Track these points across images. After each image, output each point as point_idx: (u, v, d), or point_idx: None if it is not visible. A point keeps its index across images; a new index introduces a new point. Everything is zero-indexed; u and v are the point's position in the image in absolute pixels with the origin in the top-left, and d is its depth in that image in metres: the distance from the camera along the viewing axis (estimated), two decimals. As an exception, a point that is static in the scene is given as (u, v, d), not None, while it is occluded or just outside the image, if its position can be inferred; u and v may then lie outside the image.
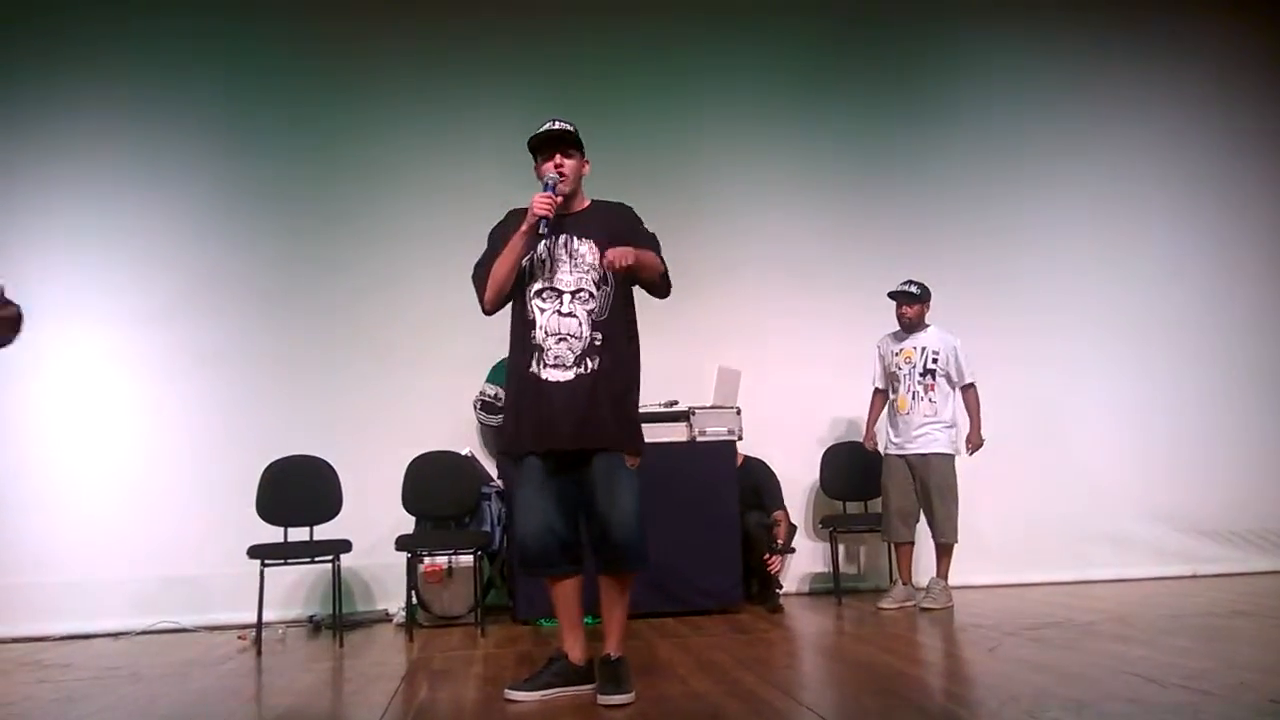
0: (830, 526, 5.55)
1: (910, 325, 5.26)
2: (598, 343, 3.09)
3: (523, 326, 3.15)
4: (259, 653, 4.42)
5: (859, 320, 5.53)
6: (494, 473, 5.41)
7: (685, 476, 4.93)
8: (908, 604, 5.05)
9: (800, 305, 6.01)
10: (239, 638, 4.76)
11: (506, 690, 3.13)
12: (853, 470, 5.60)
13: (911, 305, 5.23)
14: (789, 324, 5.97)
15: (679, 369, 5.09)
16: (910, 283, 5.27)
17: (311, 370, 5.64)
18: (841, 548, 5.71)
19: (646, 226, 3.27)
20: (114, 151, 5.69)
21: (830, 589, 5.51)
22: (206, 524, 5.23)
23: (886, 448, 5.30)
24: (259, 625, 4.54)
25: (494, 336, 5.47)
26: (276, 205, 5.83)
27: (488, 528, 5.18)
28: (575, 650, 3.17)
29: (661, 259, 3.21)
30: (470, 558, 4.98)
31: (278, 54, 5.93)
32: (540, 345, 3.09)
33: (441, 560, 5.05)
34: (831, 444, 5.86)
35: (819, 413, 5.99)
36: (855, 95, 6.37)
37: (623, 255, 3.03)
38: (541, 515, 3.08)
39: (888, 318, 5.30)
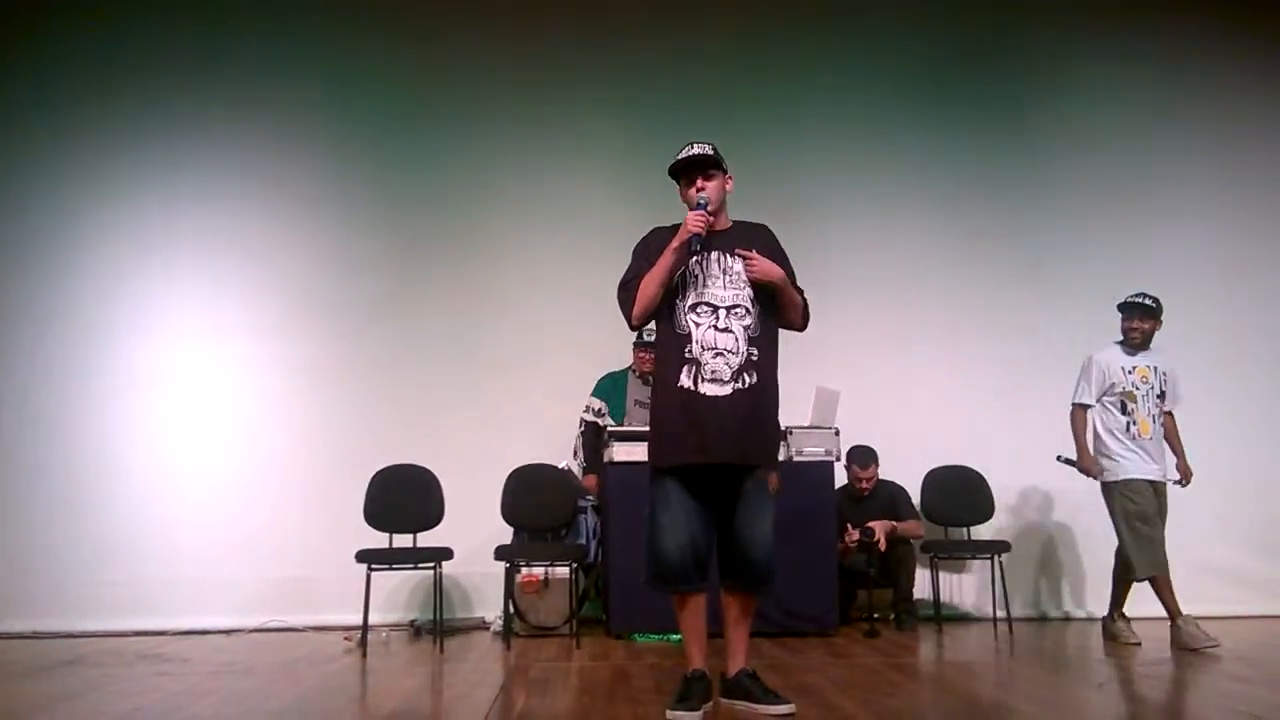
0: (932, 552, 5.43)
1: (1141, 342, 4.82)
2: (753, 358, 3.10)
3: (675, 340, 3.14)
4: (364, 654, 4.56)
5: (962, 343, 5.42)
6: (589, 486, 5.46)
7: (781, 497, 4.88)
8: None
9: (903, 326, 5.93)
10: (345, 638, 4.91)
11: (668, 712, 3.06)
12: (956, 494, 5.47)
13: (1146, 320, 4.77)
14: (890, 345, 5.90)
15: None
16: (1145, 295, 4.79)
17: (417, 383, 5.83)
18: (943, 575, 5.56)
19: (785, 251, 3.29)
20: (236, 172, 5.96)
21: (931, 616, 5.40)
22: (317, 528, 5.43)
23: (1137, 472, 4.72)
24: (364, 627, 4.68)
25: (594, 355, 5.66)
26: (390, 224, 6.04)
27: (583, 541, 5.25)
28: (701, 665, 3.16)
29: (799, 289, 3.24)
30: (566, 570, 5.05)
31: (393, 78, 6.14)
32: (697, 359, 3.09)
33: (538, 571, 5.14)
34: (934, 467, 5.75)
35: (920, 436, 5.85)
36: (965, 112, 6.26)
37: (768, 269, 3.09)
38: (684, 531, 3.08)
39: (994, 341, 5.17)
